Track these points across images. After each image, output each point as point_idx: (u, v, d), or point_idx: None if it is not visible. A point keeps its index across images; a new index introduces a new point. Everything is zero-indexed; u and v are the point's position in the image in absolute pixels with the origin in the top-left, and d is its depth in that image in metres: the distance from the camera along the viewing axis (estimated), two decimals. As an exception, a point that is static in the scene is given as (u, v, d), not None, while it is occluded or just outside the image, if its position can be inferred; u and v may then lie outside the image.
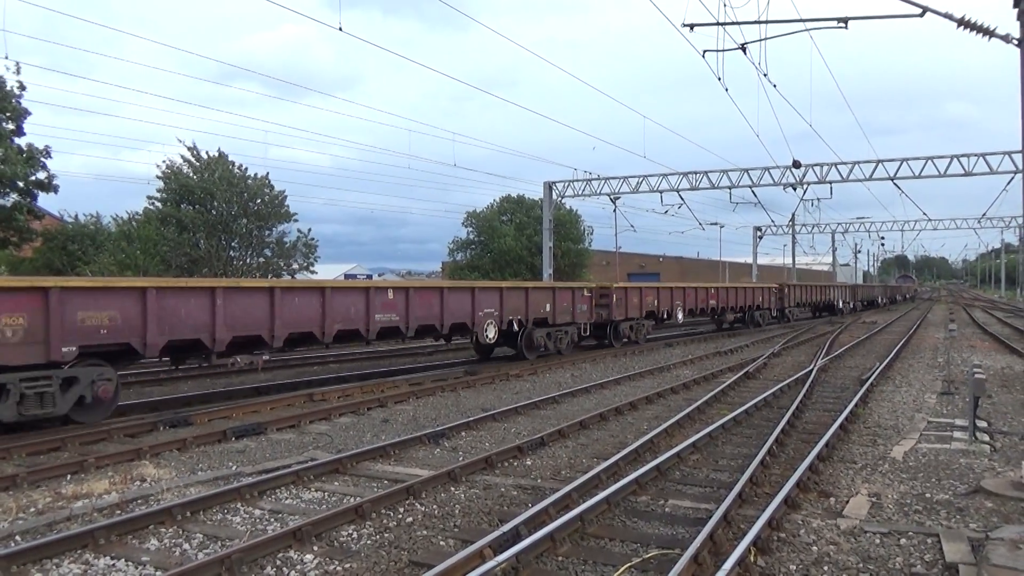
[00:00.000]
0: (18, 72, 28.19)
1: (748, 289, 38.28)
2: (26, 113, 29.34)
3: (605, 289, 25.65)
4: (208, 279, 18.65)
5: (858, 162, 35.27)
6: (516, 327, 21.03)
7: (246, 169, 36.32)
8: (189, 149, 35.60)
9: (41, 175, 29.77)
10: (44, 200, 32.16)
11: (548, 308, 22.34)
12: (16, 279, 12.71)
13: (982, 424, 11.95)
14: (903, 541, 6.94)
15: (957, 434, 11.71)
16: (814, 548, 6.76)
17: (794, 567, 6.32)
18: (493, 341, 20.71)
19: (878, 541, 6.94)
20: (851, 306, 55.76)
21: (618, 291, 25.92)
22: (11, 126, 28.98)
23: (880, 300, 70.49)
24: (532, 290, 21.84)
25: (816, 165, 35.79)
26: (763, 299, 39.04)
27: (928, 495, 8.48)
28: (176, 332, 12.79)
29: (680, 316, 30.59)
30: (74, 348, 11.50)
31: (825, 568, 6.31)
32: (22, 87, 28.67)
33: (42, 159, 29.57)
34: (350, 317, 15.81)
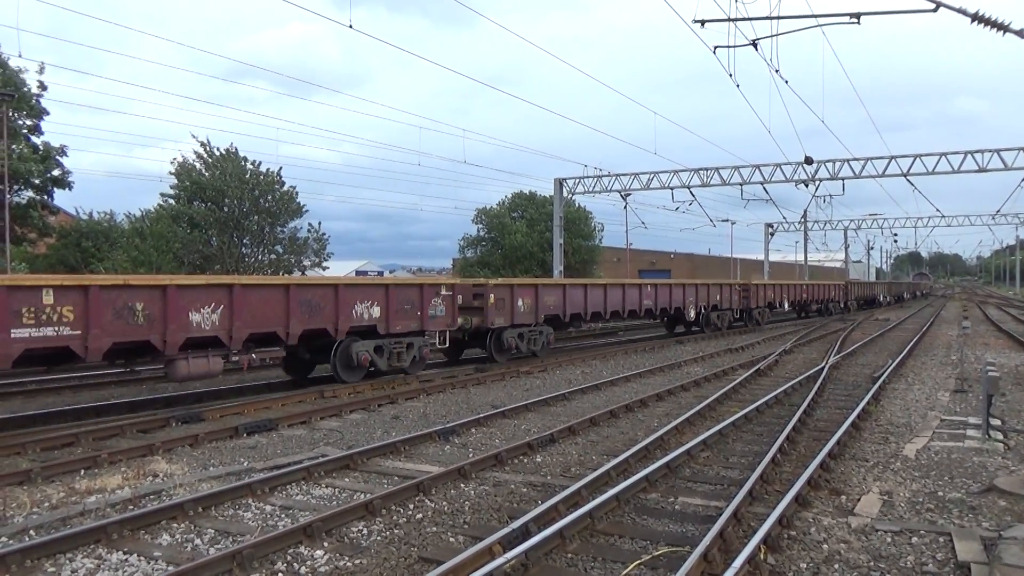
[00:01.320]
0: (41, 72, 28.43)
1: (826, 286, 50.30)
2: (44, 113, 29.58)
3: (746, 285, 36.43)
4: (581, 279, 32.27)
5: (871, 158, 35.03)
6: (703, 310, 31.34)
7: (260, 164, 36.44)
8: (202, 145, 35.77)
9: (56, 172, 30.03)
10: (60, 197, 32.45)
11: (719, 298, 32.81)
12: (525, 279, 26.94)
13: (996, 422, 11.85)
14: (915, 540, 6.91)
15: (970, 432, 11.64)
16: (825, 546, 6.73)
17: (804, 565, 6.30)
18: (693, 320, 30.65)
19: (889, 540, 6.91)
20: (887, 299, 69.72)
21: (753, 287, 36.54)
22: (29, 123, 29.24)
23: (905, 295, 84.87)
24: (712, 285, 32.77)
25: (828, 161, 35.57)
26: (835, 294, 50.53)
27: (940, 493, 8.43)
28: (575, 309, 23.41)
29: (786, 306, 41.33)
30: (542, 316, 21.71)
31: (836, 566, 6.28)
32: (43, 87, 28.90)
33: (58, 157, 29.82)
34: (636, 301, 26.69)
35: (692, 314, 30.12)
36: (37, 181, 29.62)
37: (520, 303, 20.65)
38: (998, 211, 57.33)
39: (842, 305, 50.87)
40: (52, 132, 32.95)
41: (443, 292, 18.09)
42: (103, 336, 11.50)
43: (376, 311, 16.22)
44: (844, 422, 11.55)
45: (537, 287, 21.73)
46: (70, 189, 30.84)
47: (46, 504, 8.02)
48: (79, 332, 11.19)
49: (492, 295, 19.80)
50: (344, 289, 15.53)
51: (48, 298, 10.87)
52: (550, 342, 22.53)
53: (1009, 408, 13.72)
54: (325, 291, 15.25)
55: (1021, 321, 40.38)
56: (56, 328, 10.91)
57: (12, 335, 10.32)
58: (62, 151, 29.89)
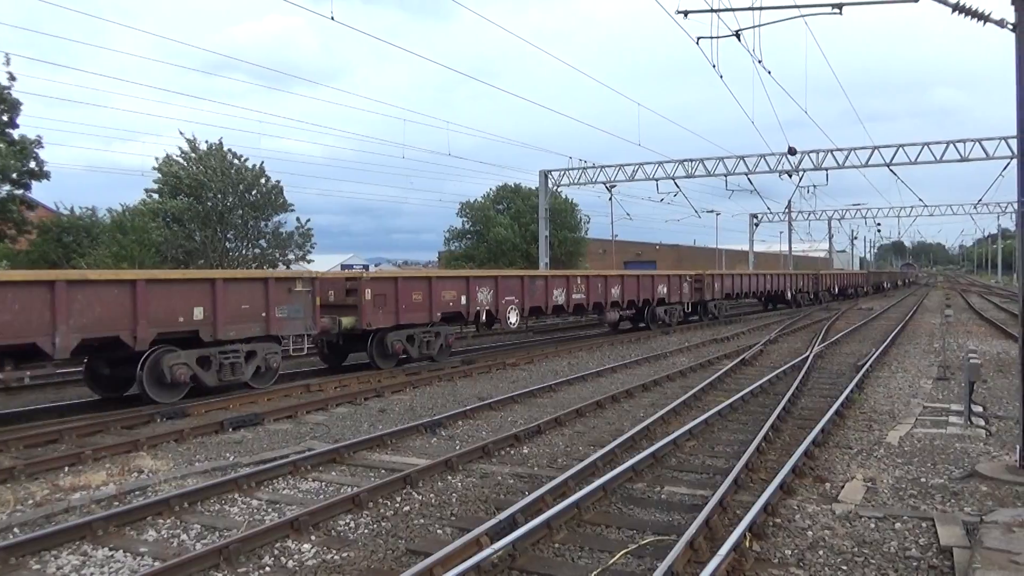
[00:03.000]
0: (7, 63, 28.03)
1: (856, 274, 69.48)
2: (18, 104, 29.17)
3: (817, 274, 51.79)
4: (740, 271, 42.56)
5: (854, 148, 35.23)
6: (795, 293, 44.59)
7: (246, 160, 36.21)
8: (188, 141, 35.50)
9: (32, 164, 29.65)
10: (39, 192, 32.08)
11: (802, 283, 47.07)
12: (717, 271, 38.01)
13: (977, 409, 11.99)
14: (898, 525, 6.98)
15: (952, 419, 11.77)
16: (809, 533, 6.79)
17: (789, 552, 6.36)
18: (789, 299, 43.70)
19: (873, 525, 6.98)
20: (887, 285, 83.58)
21: (822, 275, 52.31)
22: (4, 118, 28.85)
23: (898, 282, 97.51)
24: (799, 275, 47.54)
25: (812, 152, 35.76)
26: (862, 281, 67.94)
27: (923, 479, 8.52)
28: (739, 290, 36.04)
29: (836, 289, 55.18)
30: (724, 294, 34.74)
31: (820, 553, 6.35)
32: (12, 78, 28.49)
33: (35, 149, 29.43)
34: (765, 285, 39.71)
35: (789, 295, 43.96)
36: (14, 175, 29.26)
37: (716, 286, 32.77)
38: (980, 200, 57.90)
39: (864, 289, 67.34)
40: (28, 126, 32.48)
41: (687, 279, 30.75)
42: (591, 299, 24.30)
43: (664, 289, 28.96)
44: (828, 410, 11.64)
45: (722, 276, 34.47)
46: (47, 179, 30.44)
47: (30, 501, 7.95)
48: (563, 302, 23.01)
49: (704, 280, 31.90)
50: (656, 278, 28.77)
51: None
52: (727, 311, 35.34)
53: (990, 395, 13.88)
54: (647, 278, 28.09)
55: (1003, 309, 40.80)
56: (579, 295, 23.86)
57: (555, 300, 22.76)
58: (38, 142, 29.48)
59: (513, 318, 20.50)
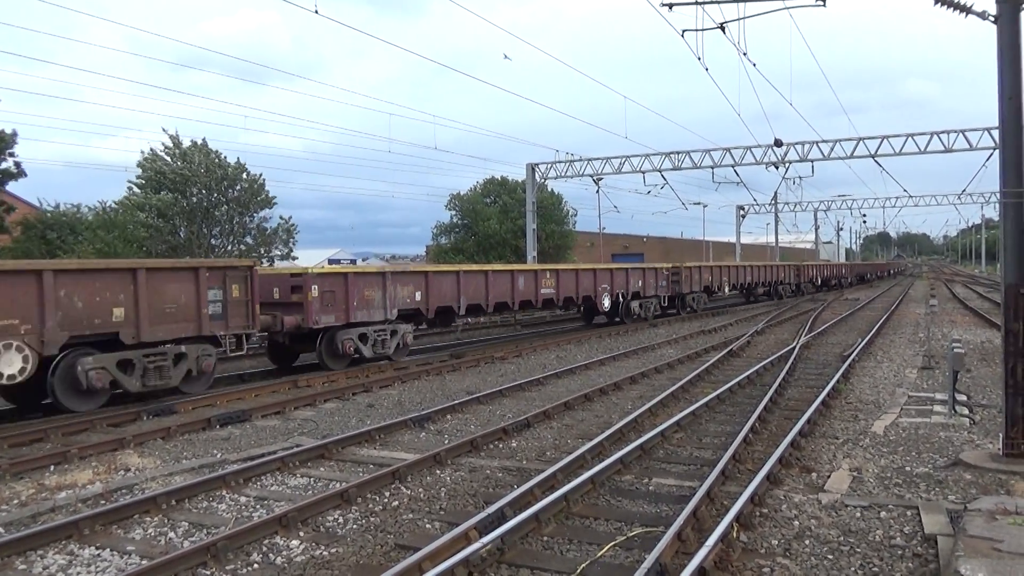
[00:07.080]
0: None
1: (879, 265, 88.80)
2: None
3: (850, 264, 67.41)
4: (794, 261, 54.48)
5: (839, 140, 35.33)
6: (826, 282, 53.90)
7: (224, 156, 36.04)
8: (171, 137, 35.24)
9: (9, 162, 29.31)
10: (21, 190, 31.75)
11: (842, 272, 59.26)
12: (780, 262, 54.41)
13: (962, 398, 12.10)
14: (883, 514, 7.04)
15: (937, 408, 11.87)
16: (796, 523, 6.84)
17: (776, 542, 6.41)
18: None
19: (859, 514, 7.04)
20: (889, 273, 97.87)
21: (847, 266, 64.04)
22: None
23: (894, 271, 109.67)
24: (843, 265, 63.62)
25: (797, 144, 35.82)
26: (882, 269, 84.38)
27: (908, 468, 8.60)
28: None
29: (867, 277, 65.44)
30: (802, 281, 51.43)
31: (806, 542, 6.39)
32: None
33: (10, 147, 29.05)
34: (812, 274, 51.24)
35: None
36: None
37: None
38: (964, 190, 58.10)
39: (886, 274, 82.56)
40: (2, 120, 31.91)
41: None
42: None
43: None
44: (814, 400, 11.72)
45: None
46: (25, 176, 30.08)
47: (15, 501, 7.90)
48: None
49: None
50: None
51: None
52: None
53: (974, 383, 14.01)
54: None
55: (986, 298, 41.14)
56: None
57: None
58: (13, 138, 29.04)
59: None
